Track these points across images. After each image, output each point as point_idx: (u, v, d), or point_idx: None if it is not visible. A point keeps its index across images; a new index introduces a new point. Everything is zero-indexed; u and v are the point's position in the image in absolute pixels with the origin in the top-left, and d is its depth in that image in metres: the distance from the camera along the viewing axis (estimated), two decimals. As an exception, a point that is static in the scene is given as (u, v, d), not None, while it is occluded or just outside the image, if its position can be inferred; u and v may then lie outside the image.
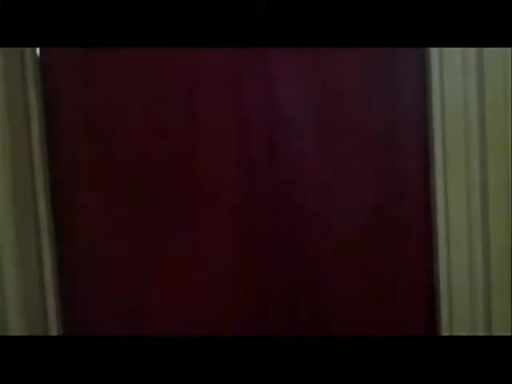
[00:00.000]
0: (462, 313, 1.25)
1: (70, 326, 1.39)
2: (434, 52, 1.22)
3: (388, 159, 1.31)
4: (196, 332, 1.34)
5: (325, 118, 1.31)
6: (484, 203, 1.22)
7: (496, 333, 1.23)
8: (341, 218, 1.32)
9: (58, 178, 1.36)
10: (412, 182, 1.30)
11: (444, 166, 1.24)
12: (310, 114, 1.31)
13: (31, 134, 1.33)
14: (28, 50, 1.32)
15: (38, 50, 1.34)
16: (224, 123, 1.32)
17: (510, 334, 1.22)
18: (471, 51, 1.20)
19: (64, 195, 1.37)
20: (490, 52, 1.19)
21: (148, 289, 1.37)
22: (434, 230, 1.27)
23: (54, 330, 1.36)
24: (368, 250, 1.32)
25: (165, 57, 1.31)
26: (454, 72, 1.22)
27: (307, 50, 1.27)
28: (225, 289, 1.35)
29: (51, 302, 1.36)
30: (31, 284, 1.32)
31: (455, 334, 1.25)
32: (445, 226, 1.24)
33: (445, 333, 1.26)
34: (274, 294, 1.35)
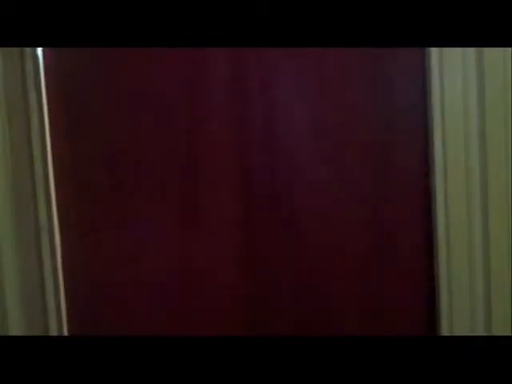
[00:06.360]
0: (461, 313, 1.25)
1: (70, 326, 1.39)
2: (434, 52, 1.22)
3: (388, 159, 1.31)
4: (195, 331, 1.34)
5: (324, 118, 1.31)
6: (484, 203, 1.22)
7: (496, 333, 1.23)
8: (341, 218, 1.32)
9: (59, 178, 1.36)
10: (412, 182, 1.30)
11: (444, 166, 1.23)
12: (310, 113, 1.31)
13: (31, 133, 1.33)
14: (28, 49, 1.32)
15: (38, 50, 1.34)
16: (223, 123, 1.33)
17: (510, 334, 1.22)
18: (471, 51, 1.20)
19: (64, 195, 1.37)
20: (490, 52, 1.19)
21: (148, 289, 1.37)
22: (434, 230, 1.26)
23: (54, 330, 1.36)
24: (368, 250, 1.32)
25: (165, 57, 1.32)
26: (454, 72, 1.22)
27: (307, 50, 1.27)
28: (225, 289, 1.35)
29: (51, 302, 1.36)
30: (31, 284, 1.32)
31: (455, 334, 1.25)
32: (445, 227, 1.24)
33: (445, 333, 1.26)
34: (273, 294, 1.35)
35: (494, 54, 1.19)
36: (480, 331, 1.24)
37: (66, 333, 1.39)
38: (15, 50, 1.30)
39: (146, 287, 1.37)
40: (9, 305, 1.28)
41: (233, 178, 1.33)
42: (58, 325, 1.37)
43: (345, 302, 1.34)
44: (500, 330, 1.22)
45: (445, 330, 1.26)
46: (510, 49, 1.18)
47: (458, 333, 1.25)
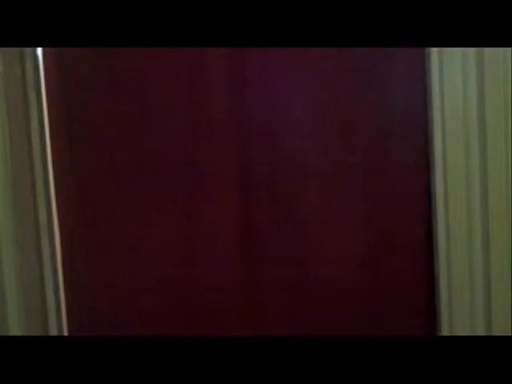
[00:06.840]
0: (461, 313, 1.25)
1: (70, 326, 1.39)
2: (434, 52, 1.22)
3: (388, 159, 1.31)
4: (195, 331, 1.34)
5: (325, 117, 1.31)
6: (484, 204, 1.22)
7: (496, 333, 1.23)
8: (341, 218, 1.32)
9: (59, 178, 1.36)
10: (412, 182, 1.30)
11: (444, 166, 1.23)
12: (310, 113, 1.31)
13: (31, 133, 1.33)
14: (28, 49, 1.32)
15: (38, 50, 1.34)
16: (223, 123, 1.32)
17: (510, 334, 1.22)
18: (471, 51, 1.20)
19: (64, 195, 1.37)
20: (490, 52, 1.19)
21: (149, 288, 1.37)
22: (434, 230, 1.26)
23: (54, 330, 1.36)
24: (368, 250, 1.32)
25: (165, 57, 1.31)
26: (453, 72, 1.22)
27: (307, 50, 1.27)
28: (225, 289, 1.35)
29: (51, 302, 1.36)
30: (31, 284, 1.32)
31: (455, 334, 1.25)
32: (445, 227, 1.24)
33: (445, 333, 1.26)
34: (273, 294, 1.35)
35: (494, 54, 1.19)
36: (480, 331, 1.24)
37: (66, 333, 1.39)
38: (15, 50, 1.30)
39: (146, 287, 1.37)
40: (9, 305, 1.28)
41: (233, 179, 1.33)
42: (58, 325, 1.37)
43: (345, 301, 1.34)
44: (500, 329, 1.22)
45: (445, 330, 1.26)
46: (510, 49, 1.18)
47: (458, 333, 1.25)
